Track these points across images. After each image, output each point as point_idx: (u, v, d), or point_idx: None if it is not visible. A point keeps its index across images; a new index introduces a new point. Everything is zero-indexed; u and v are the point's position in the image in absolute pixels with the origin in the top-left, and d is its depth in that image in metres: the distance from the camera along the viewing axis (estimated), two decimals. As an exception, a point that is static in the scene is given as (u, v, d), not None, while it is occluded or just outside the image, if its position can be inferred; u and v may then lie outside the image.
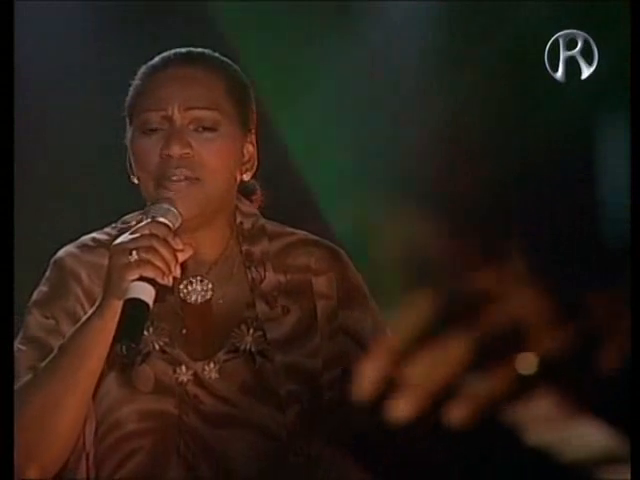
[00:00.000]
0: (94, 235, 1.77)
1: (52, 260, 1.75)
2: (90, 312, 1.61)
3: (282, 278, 1.75)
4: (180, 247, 1.58)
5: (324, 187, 3.76)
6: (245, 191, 1.82)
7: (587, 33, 3.30)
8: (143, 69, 1.76)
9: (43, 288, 1.74)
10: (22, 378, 1.65)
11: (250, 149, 1.75)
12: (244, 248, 1.76)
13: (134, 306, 1.54)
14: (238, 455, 1.66)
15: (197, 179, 1.66)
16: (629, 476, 0.71)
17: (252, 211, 1.81)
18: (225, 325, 1.71)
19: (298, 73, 3.80)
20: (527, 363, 0.69)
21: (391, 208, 3.82)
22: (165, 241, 1.56)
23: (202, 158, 1.67)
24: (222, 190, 1.71)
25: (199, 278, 1.71)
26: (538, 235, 3.42)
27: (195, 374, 1.67)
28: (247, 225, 1.78)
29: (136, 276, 1.55)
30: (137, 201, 1.78)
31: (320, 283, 1.75)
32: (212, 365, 1.67)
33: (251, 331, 1.70)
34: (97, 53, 3.43)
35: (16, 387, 1.63)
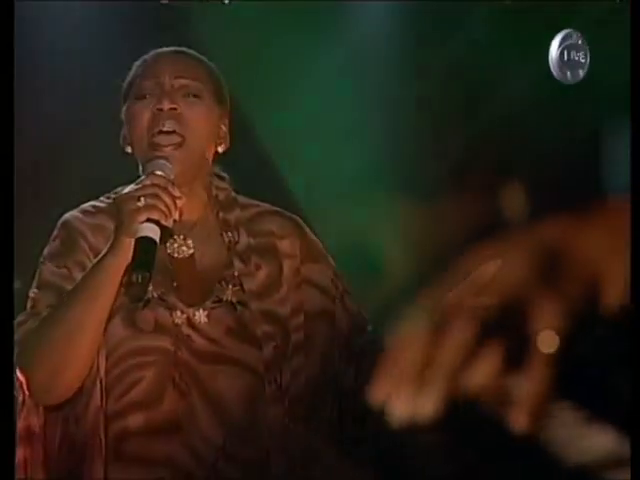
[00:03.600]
0: (92, 203, 2.08)
1: (60, 222, 2.05)
2: (103, 252, 1.90)
3: (252, 241, 2.07)
4: (178, 194, 1.89)
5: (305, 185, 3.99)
6: (218, 176, 2.14)
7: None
8: (138, 62, 2.09)
9: (54, 244, 2.03)
10: (42, 315, 1.94)
11: (224, 129, 2.08)
12: (220, 215, 2.08)
13: (145, 243, 1.83)
14: (223, 385, 1.95)
15: (182, 138, 1.96)
16: (629, 476, 0.72)
17: (225, 186, 2.13)
18: (208, 280, 2.01)
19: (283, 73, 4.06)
20: (548, 341, 0.67)
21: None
22: (166, 189, 1.87)
23: (187, 116, 1.98)
24: (201, 153, 2.02)
25: (182, 236, 1.99)
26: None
27: (188, 318, 1.96)
28: (221, 197, 2.11)
29: (144, 218, 1.84)
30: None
31: (284, 245, 2.08)
32: (202, 311, 1.97)
33: (230, 286, 2.01)
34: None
35: (39, 321, 1.92)
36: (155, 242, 1.85)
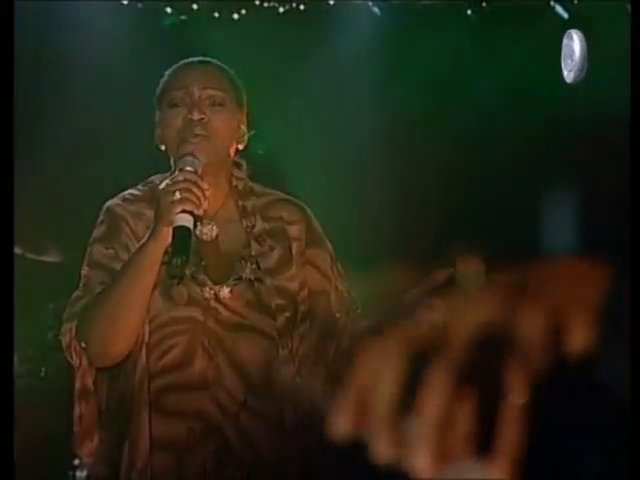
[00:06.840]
0: (131, 191, 2.40)
1: (104, 208, 2.36)
2: (145, 238, 2.20)
3: (267, 225, 2.40)
4: (206, 187, 2.19)
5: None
6: (237, 165, 2.46)
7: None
8: (168, 71, 2.41)
9: (101, 228, 2.35)
10: (95, 291, 2.26)
11: (243, 128, 2.41)
12: (240, 203, 2.40)
13: (182, 231, 2.11)
14: (244, 349, 2.29)
15: (209, 137, 2.27)
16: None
17: (243, 176, 2.46)
18: (230, 259, 2.33)
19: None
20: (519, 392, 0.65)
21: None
22: (196, 183, 2.17)
23: (214, 123, 2.30)
24: (225, 149, 2.33)
25: (207, 221, 2.30)
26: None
27: (215, 293, 2.28)
28: (240, 187, 2.43)
29: (180, 209, 2.13)
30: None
31: (293, 230, 2.41)
32: (225, 287, 2.30)
33: (249, 264, 2.33)
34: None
35: (93, 297, 2.25)
36: (190, 230, 2.13)
